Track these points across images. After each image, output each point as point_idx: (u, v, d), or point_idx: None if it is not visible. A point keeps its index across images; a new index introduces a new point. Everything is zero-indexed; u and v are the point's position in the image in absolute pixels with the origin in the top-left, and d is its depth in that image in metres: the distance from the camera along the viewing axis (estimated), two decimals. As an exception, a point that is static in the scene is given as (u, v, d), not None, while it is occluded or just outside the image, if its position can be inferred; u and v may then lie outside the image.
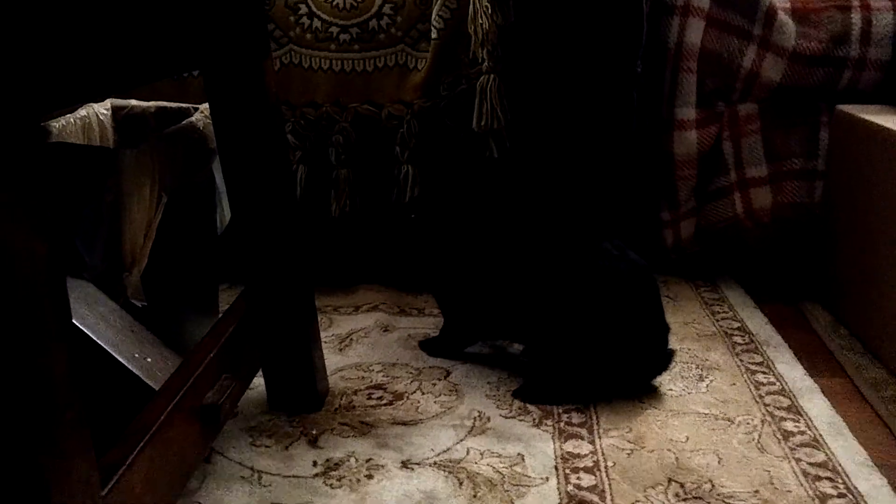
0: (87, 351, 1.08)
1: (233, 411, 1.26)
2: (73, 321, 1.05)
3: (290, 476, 1.36)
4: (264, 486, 1.34)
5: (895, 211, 1.72)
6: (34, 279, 0.67)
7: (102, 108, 1.57)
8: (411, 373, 1.74)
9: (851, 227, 1.96)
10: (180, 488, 1.06)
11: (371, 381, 1.70)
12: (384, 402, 1.61)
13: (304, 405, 1.57)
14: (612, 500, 1.30)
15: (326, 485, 1.34)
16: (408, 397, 1.63)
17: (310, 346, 1.56)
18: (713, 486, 1.34)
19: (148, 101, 1.65)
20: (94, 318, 1.12)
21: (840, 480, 1.36)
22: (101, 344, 1.08)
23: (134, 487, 0.88)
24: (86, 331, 1.08)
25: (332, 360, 1.76)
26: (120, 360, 1.09)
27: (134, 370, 1.09)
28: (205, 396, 1.09)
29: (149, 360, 1.13)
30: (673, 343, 1.83)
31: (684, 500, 1.31)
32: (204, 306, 1.59)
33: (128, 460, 0.89)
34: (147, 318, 1.25)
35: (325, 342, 1.79)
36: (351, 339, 1.90)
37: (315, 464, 1.40)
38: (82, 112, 1.50)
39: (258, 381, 1.61)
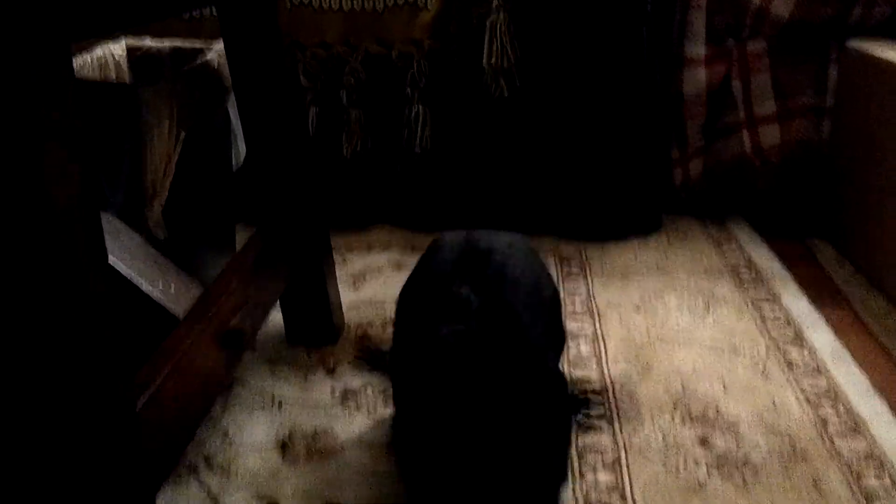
0: (113, 281, 1.12)
1: (254, 337, 1.30)
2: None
3: (309, 402, 1.42)
4: (285, 412, 1.39)
5: (902, 145, 1.73)
6: (70, 201, 0.71)
7: (118, 48, 1.59)
8: (424, 308, 1.78)
9: (859, 165, 1.98)
10: (207, 408, 1.10)
11: (385, 317, 1.74)
12: (398, 334, 1.66)
13: (322, 338, 1.61)
14: (619, 425, 1.35)
15: (344, 411, 1.39)
16: (421, 330, 1.67)
17: (325, 281, 1.60)
18: (718, 411, 1.39)
19: (161, 41, 1.67)
20: (118, 250, 1.15)
21: (841, 405, 1.40)
22: (126, 274, 1.12)
23: (164, 404, 0.93)
24: (111, 261, 1.12)
25: (347, 296, 1.80)
26: (145, 288, 1.13)
27: (158, 298, 1.13)
28: (228, 323, 1.13)
29: (172, 289, 1.17)
30: (681, 278, 1.87)
31: (691, 424, 1.35)
32: (222, 243, 1.62)
33: (158, 380, 0.93)
34: (168, 252, 1.29)
35: (340, 280, 1.82)
36: (364, 277, 1.94)
37: (333, 392, 1.45)
38: (98, 52, 1.53)
39: (276, 318, 1.65)
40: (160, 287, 1.15)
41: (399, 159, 2.14)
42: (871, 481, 1.21)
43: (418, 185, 2.17)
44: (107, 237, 1.11)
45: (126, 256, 1.14)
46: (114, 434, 0.77)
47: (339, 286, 1.73)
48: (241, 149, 1.67)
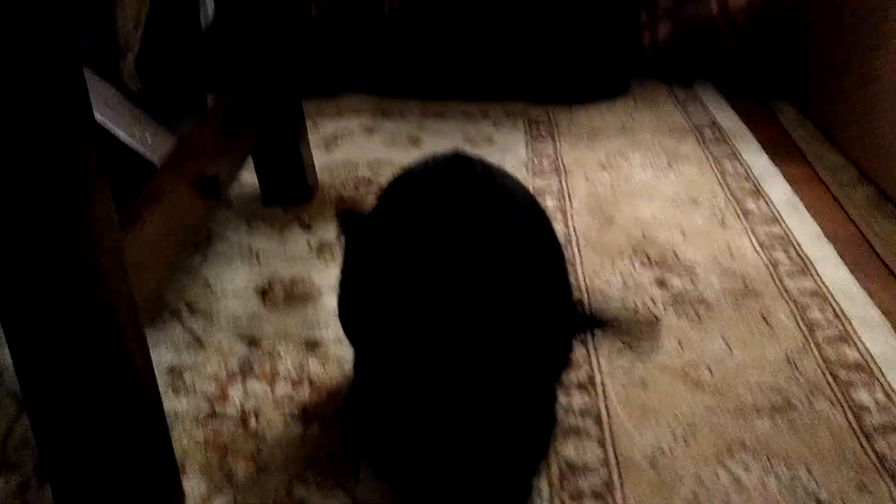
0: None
1: (230, 186, 1.34)
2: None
3: (286, 254, 1.47)
4: (263, 262, 1.45)
5: (867, 10, 1.75)
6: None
7: None
8: (395, 168, 1.81)
9: (823, 25, 2.00)
10: (188, 247, 1.15)
11: (357, 176, 1.78)
12: (371, 193, 1.70)
13: (296, 197, 1.66)
14: (581, 268, 1.42)
15: (320, 261, 1.45)
16: (393, 189, 1.72)
17: (297, 142, 1.63)
18: (676, 255, 1.46)
19: None
20: (94, 100, 1.17)
21: (793, 250, 1.48)
22: (101, 122, 1.15)
23: (148, 237, 0.98)
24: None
25: (320, 158, 1.84)
26: (121, 137, 1.15)
27: (135, 146, 1.16)
28: (204, 170, 1.17)
29: (148, 138, 1.20)
30: (645, 137, 1.92)
31: (649, 267, 1.43)
32: (193, 104, 1.64)
33: (141, 215, 0.97)
34: (142, 105, 1.31)
35: (312, 143, 1.85)
36: (336, 140, 1.97)
37: (309, 244, 1.50)
38: None
39: (251, 179, 1.69)
40: (136, 136, 1.18)
41: (368, 22, 2.13)
42: (815, 314, 1.30)
43: (388, 50, 2.18)
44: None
45: (101, 105, 1.16)
46: (102, 272, 0.81)
47: (312, 149, 1.76)
48: (209, 9, 1.66)
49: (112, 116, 1.15)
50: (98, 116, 1.13)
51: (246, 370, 1.18)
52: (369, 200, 1.64)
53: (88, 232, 0.79)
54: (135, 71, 1.27)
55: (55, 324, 0.79)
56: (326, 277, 1.40)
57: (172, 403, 1.11)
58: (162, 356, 1.20)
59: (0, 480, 0.99)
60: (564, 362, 0.95)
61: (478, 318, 0.76)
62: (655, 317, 1.28)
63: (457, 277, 0.75)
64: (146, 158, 1.17)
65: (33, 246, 0.76)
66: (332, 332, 1.26)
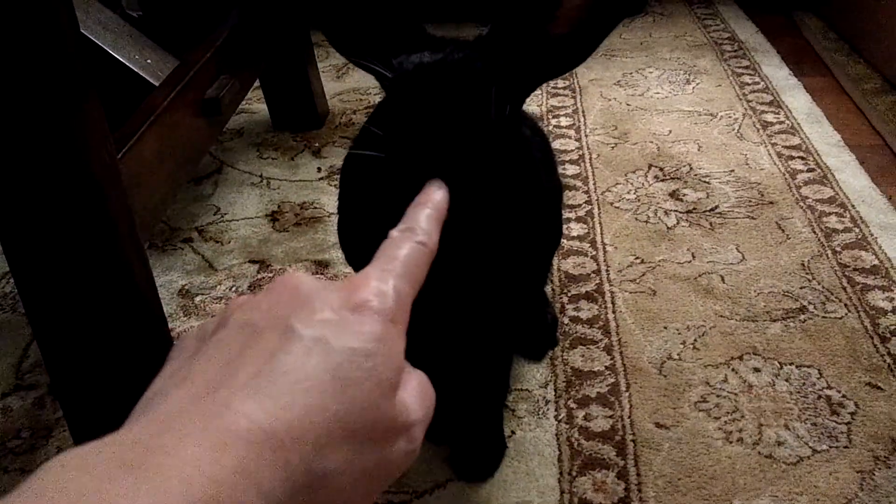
0: (90, 54, 1.14)
1: (233, 108, 1.32)
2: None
3: (296, 180, 1.46)
4: (273, 189, 1.44)
5: None
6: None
7: None
8: (408, 94, 1.79)
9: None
10: (190, 169, 1.15)
11: (369, 103, 1.76)
12: (382, 118, 1.68)
13: (306, 124, 1.64)
14: (594, 184, 1.40)
15: (331, 186, 1.44)
16: (404, 114, 1.70)
17: (306, 68, 1.61)
18: (691, 168, 1.43)
19: None
20: (94, 24, 1.17)
21: (811, 159, 1.44)
22: (103, 46, 1.14)
23: (145, 157, 0.97)
24: (87, 35, 1.13)
25: (331, 86, 1.82)
26: (122, 60, 1.15)
27: (136, 69, 1.15)
28: (204, 91, 1.16)
29: (149, 61, 1.19)
30: (664, 54, 1.88)
31: (662, 180, 1.40)
32: (196, 32, 1.62)
33: (136, 134, 0.97)
34: (143, 30, 1.30)
35: (323, 72, 1.83)
36: (348, 68, 1.95)
37: (319, 170, 1.50)
38: None
39: (261, 107, 1.68)
40: (136, 59, 1.17)
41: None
42: (833, 221, 1.27)
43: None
44: (82, 13, 1.12)
45: (99, 29, 1.15)
46: (97, 184, 0.81)
47: (323, 77, 1.74)
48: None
49: (110, 38, 1.14)
50: (98, 41, 1.13)
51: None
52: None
53: (80, 143, 0.79)
54: (134, -5, 1.25)
55: (52, 237, 0.80)
56: (335, 201, 1.39)
57: (183, 325, 1.12)
58: (173, 280, 1.21)
59: (17, 399, 1.01)
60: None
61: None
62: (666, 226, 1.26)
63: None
64: (146, 80, 1.16)
65: (27, 159, 0.76)
66: (338, 253, 1.25)
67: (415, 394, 0.31)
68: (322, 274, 1.21)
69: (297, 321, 0.29)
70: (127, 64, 1.14)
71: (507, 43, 0.65)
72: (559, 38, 0.65)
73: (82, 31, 1.13)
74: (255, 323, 0.30)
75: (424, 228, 0.35)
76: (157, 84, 1.15)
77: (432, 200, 0.38)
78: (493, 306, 0.78)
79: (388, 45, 0.68)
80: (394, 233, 0.35)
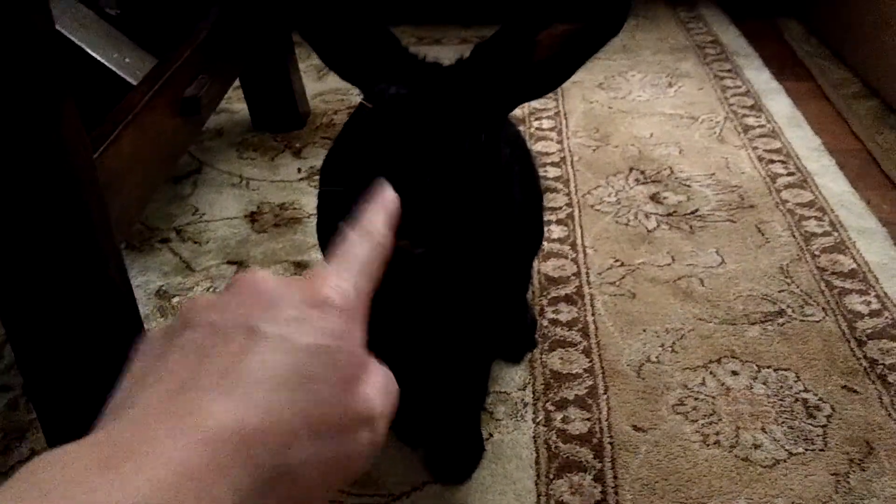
0: (68, 53, 1.13)
1: (212, 108, 1.31)
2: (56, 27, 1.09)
3: (276, 181, 1.46)
4: (253, 189, 1.43)
5: None
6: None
7: None
8: (390, 95, 1.79)
9: (829, -66, 1.94)
10: (168, 169, 1.14)
11: (350, 103, 1.75)
12: (364, 119, 1.68)
13: (287, 124, 1.63)
14: (575, 186, 1.40)
15: (311, 187, 1.44)
16: (387, 115, 1.69)
17: (287, 68, 1.61)
18: (672, 171, 1.43)
19: None
20: (71, 22, 1.15)
21: (792, 163, 1.45)
22: (80, 44, 1.13)
23: (122, 157, 0.96)
24: (64, 32, 1.12)
25: (312, 86, 1.81)
26: (100, 58, 1.13)
27: (113, 67, 1.14)
28: (183, 91, 1.15)
29: (127, 60, 1.18)
30: (646, 57, 1.88)
31: (643, 183, 1.40)
32: (176, 31, 1.61)
33: (114, 134, 0.96)
34: (122, 29, 1.29)
35: (305, 72, 1.82)
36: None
37: (299, 171, 1.49)
38: None
39: (242, 107, 1.67)
40: (114, 57, 1.16)
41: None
42: (812, 225, 1.27)
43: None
44: (59, 11, 1.11)
45: (77, 27, 1.14)
46: (73, 182, 0.80)
47: (304, 78, 1.74)
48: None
49: (87, 37, 1.13)
50: (75, 39, 1.12)
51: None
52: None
53: (56, 143, 0.78)
54: (112, -7, 1.24)
55: (27, 238, 0.79)
56: (315, 202, 1.38)
57: (160, 326, 1.11)
58: (150, 281, 1.20)
59: (-11, 401, 1.00)
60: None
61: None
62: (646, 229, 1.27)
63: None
64: (124, 79, 1.15)
65: (2, 158, 0.75)
66: (320, 254, 1.25)
67: (378, 387, 0.32)
68: (300, 275, 1.20)
69: (261, 321, 0.30)
70: (105, 63, 1.13)
71: (487, 69, 0.65)
72: (539, 64, 0.66)
73: (59, 28, 1.12)
74: (220, 323, 0.31)
75: (382, 232, 0.37)
76: (135, 83, 1.14)
77: (387, 202, 0.39)
78: (471, 317, 0.79)
79: (370, 65, 0.69)
80: (353, 235, 0.36)
